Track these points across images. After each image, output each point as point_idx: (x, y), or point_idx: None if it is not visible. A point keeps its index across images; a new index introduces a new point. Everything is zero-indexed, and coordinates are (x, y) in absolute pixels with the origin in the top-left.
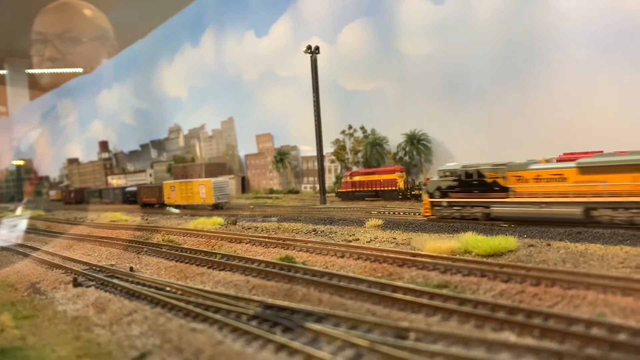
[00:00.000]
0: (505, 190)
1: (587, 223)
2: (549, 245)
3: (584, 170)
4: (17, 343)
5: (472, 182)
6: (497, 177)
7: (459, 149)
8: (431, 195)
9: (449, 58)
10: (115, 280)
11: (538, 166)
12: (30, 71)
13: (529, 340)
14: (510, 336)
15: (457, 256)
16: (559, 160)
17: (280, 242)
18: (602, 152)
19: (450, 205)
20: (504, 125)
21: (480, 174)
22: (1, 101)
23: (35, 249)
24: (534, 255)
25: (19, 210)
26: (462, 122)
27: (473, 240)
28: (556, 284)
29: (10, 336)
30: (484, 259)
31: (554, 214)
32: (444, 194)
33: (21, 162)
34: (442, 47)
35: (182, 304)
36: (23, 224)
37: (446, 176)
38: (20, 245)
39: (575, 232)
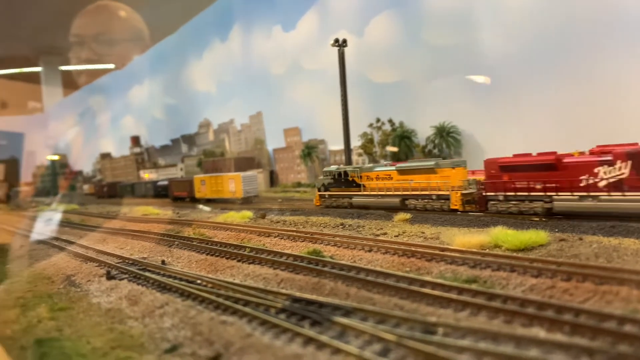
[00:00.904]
0: (359, 186)
1: (403, 209)
2: (581, 239)
3: (400, 172)
4: (54, 334)
5: (341, 180)
6: (355, 176)
7: (490, 141)
8: (319, 190)
9: (479, 49)
10: (147, 273)
11: (378, 168)
12: (63, 68)
13: (559, 337)
14: (539, 332)
15: (487, 251)
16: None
17: (309, 236)
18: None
19: (330, 197)
20: (535, 118)
21: (346, 174)
22: (36, 98)
23: (71, 243)
24: (565, 250)
25: (54, 205)
26: (492, 114)
27: (503, 235)
28: (588, 279)
29: (47, 327)
30: (514, 254)
31: (385, 203)
32: (326, 189)
33: (56, 157)
34: (473, 38)
35: (213, 297)
36: (58, 217)
37: (327, 175)
38: (56, 239)
39: (608, 226)
